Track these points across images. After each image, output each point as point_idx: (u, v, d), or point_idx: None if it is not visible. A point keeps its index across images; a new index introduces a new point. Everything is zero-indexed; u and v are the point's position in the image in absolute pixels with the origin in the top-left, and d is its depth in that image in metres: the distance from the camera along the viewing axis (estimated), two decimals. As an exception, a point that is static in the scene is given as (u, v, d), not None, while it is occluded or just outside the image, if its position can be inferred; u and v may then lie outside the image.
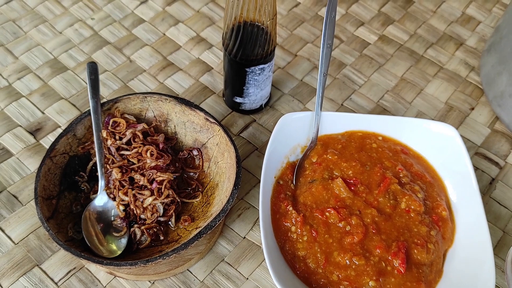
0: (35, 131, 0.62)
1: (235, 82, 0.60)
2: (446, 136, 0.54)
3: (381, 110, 0.66)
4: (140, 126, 0.54)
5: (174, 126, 0.57)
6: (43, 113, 0.64)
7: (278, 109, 0.66)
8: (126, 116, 0.56)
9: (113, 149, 0.53)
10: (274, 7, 0.53)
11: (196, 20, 0.75)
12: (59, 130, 0.62)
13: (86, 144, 0.54)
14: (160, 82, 0.68)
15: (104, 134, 0.53)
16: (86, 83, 0.67)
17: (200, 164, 0.56)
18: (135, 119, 0.56)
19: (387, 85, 0.69)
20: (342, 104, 0.67)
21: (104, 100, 0.64)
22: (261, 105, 0.64)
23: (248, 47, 0.55)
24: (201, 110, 0.55)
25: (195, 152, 0.56)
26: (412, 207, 0.50)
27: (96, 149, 0.52)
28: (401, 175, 0.53)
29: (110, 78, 0.68)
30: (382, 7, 0.78)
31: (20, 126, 0.62)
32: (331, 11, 0.54)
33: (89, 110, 0.54)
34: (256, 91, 0.61)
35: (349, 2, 0.79)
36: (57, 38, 0.71)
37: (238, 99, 0.62)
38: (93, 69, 0.55)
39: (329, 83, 0.69)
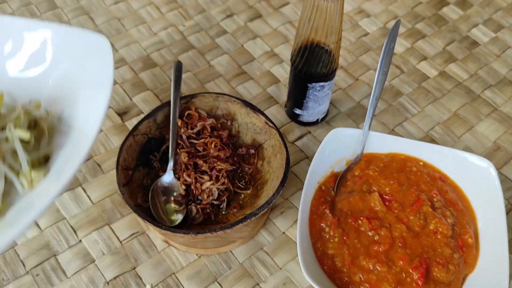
0: (123, 113, 0.73)
1: (297, 95, 0.68)
2: (483, 169, 0.58)
3: (429, 140, 0.71)
4: (209, 121, 0.63)
5: (238, 125, 0.65)
6: (131, 99, 0.75)
7: (333, 125, 0.72)
8: (199, 110, 0.65)
9: (184, 137, 0.62)
10: (339, 33, 0.60)
11: (272, 37, 0.83)
12: (142, 116, 0.73)
13: (163, 129, 0.64)
14: (232, 87, 0.77)
15: (179, 123, 0.62)
16: (171, 79, 0.77)
17: (255, 161, 0.64)
18: (206, 114, 0.65)
19: (439, 118, 0.73)
20: (393, 129, 0.72)
21: (183, 95, 0.74)
22: (318, 119, 0.71)
23: (312, 65, 0.62)
24: (263, 114, 0.63)
25: (252, 151, 0.64)
26: (440, 229, 0.55)
27: (170, 134, 0.61)
28: (434, 200, 0.57)
29: (191, 78, 0.78)
30: (447, 45, 0.83)
31: (111, 107, 0.73)
32: (391, 42, 0.60)
33: (170, 101, 0.63)
34: (315, 105, 0.68)
35: (416, 37, 0.84)
36: (152, 38, 0.82)
37: (298, 111, 0.70)
38: (178, 67, 0.65)
39: (383, 109, 0.74)
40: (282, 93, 0.76)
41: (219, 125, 0.64)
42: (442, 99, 0.76)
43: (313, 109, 0.68)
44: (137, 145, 0.62)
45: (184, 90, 0.76)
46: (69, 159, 0.44)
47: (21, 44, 0.51)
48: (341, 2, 0.56)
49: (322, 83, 0.64)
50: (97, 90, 0.46)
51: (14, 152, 0.44)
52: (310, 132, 0.72)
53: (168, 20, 0.85)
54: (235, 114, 0.65)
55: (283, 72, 0.79)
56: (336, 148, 0.61)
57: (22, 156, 0.44)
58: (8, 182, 0.43)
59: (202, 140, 0.62)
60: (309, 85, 0.65)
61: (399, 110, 0.74)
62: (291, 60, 0.65)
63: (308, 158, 0.69)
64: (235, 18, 0.86)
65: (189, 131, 0.62)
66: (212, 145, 0.61)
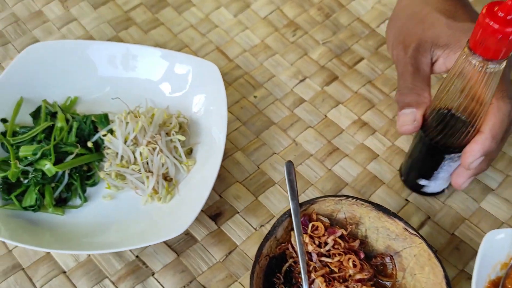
0: (215, 216, 0.64)
1: (426, 165, 0.60)
2: None
3: None
4: (339, 233, 0.55)
5: (366, 229, 0.57)
6: (220, 196, 0.65)
7: (452, 206, 0.65)
8: (321, 218, 0.56)
9: (315, 256, 0.53)
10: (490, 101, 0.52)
11: (355, 102, 0.75)
12: (237, 216, 0.64)
13: (283, 244, 0.55)
14: (328, 169, 0.69)
15: (307, 239, 0.54)
16: (258, 166, 0.68)
17: (393, 273, 0.56)
18: (328, 221, 0.57)
19: None
20: (521, 205, 0.65)
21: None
22: (443, 189, 0.64)
23: (454, 135, 0.54)
24: (400, 219, 0.54)
25: (387, 259, 0.56)
26: None
27: (299, 255, 0.52)
28: None
29: (279, 162, 0.69)
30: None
31: (202, 210, 0.64)
32: None
33: (288, 212, 0.55)
34: (446, 175, 0.60)
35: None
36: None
37: (423, 182, 0.62)
38: (290, 169, 0.57)
39: (501, 181, 0.67)
40: (385, 170, 0.68)
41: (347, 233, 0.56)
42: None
43: (443, 179, 0.61)
44: (261, 270, 0.53)
45: (276, 178, 0.67)
46: (210, 151, 0.64)
47: (171, 73, 0.71)
48: (500, 72, 0.48)
49: (461, 153, 0.56)
50: (216, 101, 0.67)
51: (175, 147, 0.65)
52: (429, 218, 0.64)
53: (237, 91, 0.76)
54: (362, 217, 0.57)
55: (379, 144, 0.71)
56: (491, 253, 0.53)
57: (181, 151, 0.64)
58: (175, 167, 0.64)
59: (337, 259, 0.53)
60: (446, 156, 0.57)
61: (522, 183, 0.67)
62: (422, 128, 0.56)
63: (437, 251, 0.62)
64: (308, 82, 0.77)
65: (320, 249, 0.54)
66: (350, 264, 0.53)
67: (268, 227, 0.63)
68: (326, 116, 0.74)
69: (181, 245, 0.61)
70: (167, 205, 0.61)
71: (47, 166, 0.57)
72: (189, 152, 0.66)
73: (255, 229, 0.63)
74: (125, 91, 0.69)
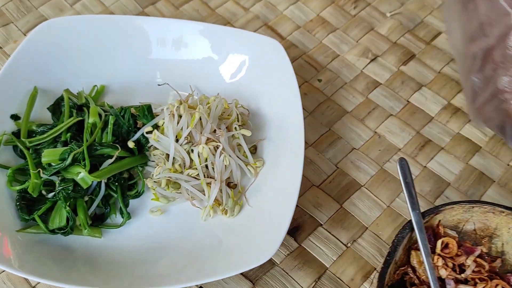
0: (294, 230, 0.50)
1: None
2: None
3: None
4: (478, 251, 0.42)
5: (502, 244, 0.44)
6: (296, 205, 0.52)
7: None
8: (448, 231, 0.43)
9: (451, 284, 0.40)
10: None
11: (441, 83, 0.62)
12: (321, 230, 0.50)
13: (401, 268, 0.42)
14: (423, 166, 0.55)
15: (438, 262, 0.40)
16: (337, 166, 0.55)
17: (547, 299, 0.43)
18: (456, 235, 0.43)
19: None
20: None
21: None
22: None
23: None
24: (557, 230, 0.42)
25: (533, 281, 0.43)
26: None
27: (431, 283, 0.39)
28: None
29: (362, 159, 0.56)
30: None
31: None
32: None
33: (408, 225, 0.42)
34: None
35: None
36: (284, 105, 0.60)
37: None
38: (405, 169, 0.43)
39: None
40: (491, 165, 0.56)
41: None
42: None
43: None
44: (382, 306, 0.39)
45: (362, 181, 0.54)
46: (281, 149, 0.50)
47: (223, 54, 0.57)
48: None
49: None
50: (282, 85, 0.53)
51: (238, 145, 0.51)
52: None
53: (297, 74, 0.62)
54: (498, 228, 0.44)
55: (479, 133, 0.58)
56: None
57: (247, 149, 0.50)
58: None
59: (481, 287, 0.40)
60: None
61: None
62: None
63: None
64: (381, 62, 0.64)
65: (456, 273, 0.40)
66: (500, 292, 0.40)
67: (362, 242, 0.50)
68: (408, 101, 0.61)
69: (255, 270, 0.47)
70: (233, 220, 0.47)
71: (82, 175, 0.43)
72: (253, 151, 0.52)
73: (346, 245, 0.50)
74: (165, 76, 0.55)
